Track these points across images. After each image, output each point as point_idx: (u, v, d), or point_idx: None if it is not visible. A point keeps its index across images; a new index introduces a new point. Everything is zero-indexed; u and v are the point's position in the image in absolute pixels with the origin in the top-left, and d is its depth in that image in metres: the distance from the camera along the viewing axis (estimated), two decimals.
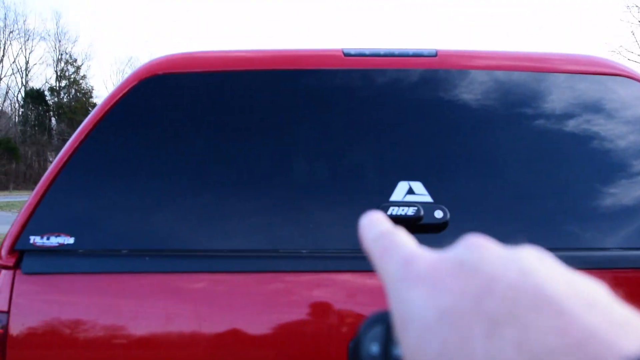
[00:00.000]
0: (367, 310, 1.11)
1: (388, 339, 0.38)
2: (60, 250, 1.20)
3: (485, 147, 1.33)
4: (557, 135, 1.34)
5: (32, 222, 1.22)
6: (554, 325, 0.20)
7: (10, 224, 1.26)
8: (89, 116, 1.35)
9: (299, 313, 1.14)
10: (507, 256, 0.24)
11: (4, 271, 1.20)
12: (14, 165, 41.50)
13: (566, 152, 1.33)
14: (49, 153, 43.18)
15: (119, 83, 1.43)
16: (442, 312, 0.23)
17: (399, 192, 1.23)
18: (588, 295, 0.21)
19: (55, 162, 1.30)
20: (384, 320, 0.38)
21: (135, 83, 1.37)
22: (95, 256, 1.20)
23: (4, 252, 1.21)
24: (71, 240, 1.21)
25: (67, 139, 1.38)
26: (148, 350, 1.13)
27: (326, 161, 1.35)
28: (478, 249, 0.26)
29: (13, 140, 42.50)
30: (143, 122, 1.35)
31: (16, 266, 1.19)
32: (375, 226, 0.32)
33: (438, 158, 1.31)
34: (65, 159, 1.29)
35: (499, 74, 1.41)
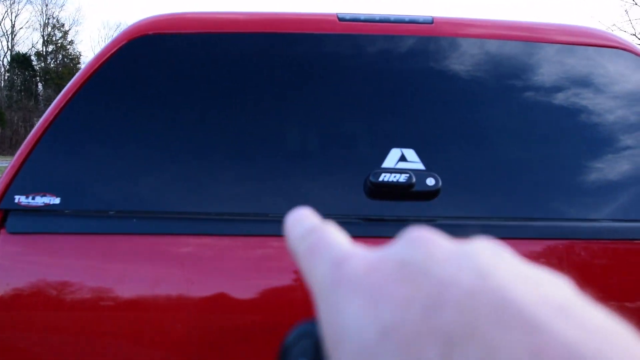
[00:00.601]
0: None
1: (317, 355, 0.32)
2: (46, 210, 1.18)
3: (479, 116, 1.32)
4: (553, 106, 1.33)
5: (17, 181, 1.20)
6: (524, 343, 0.16)
7: None
8: (77, 75, 1.32)
9: (288, 278, 1.14)
10: (459, 253, 0.21)
11: None
12: None
13: (561, 123, 1.32)
14: (35, 119, 42.55)
15: (107, 42, 1.39)
16: (385, 329, 0.19)
17: (391, 159, 1.22)
18: (557, 299, 0.18)
19: (40, 122, 1.27)
20: (312, 334, 0.32)
21: (124, 42, 1.33)
22: (81, 217, 1.19)
23: None
24: (57, 201, 1.19)
25: None
26: (135, 312, 1.12)
27: (318, 126, 1.33)
28: (424, 245, 0.21)
29: None
30: (131, 83, 1.32)
31: (0, 226, 1.17)
32: (301, 223, 0.28)
33: (431, 126, 1.30)
34: (51, 118, 1.26)
35: (496, 43, 1.38)
